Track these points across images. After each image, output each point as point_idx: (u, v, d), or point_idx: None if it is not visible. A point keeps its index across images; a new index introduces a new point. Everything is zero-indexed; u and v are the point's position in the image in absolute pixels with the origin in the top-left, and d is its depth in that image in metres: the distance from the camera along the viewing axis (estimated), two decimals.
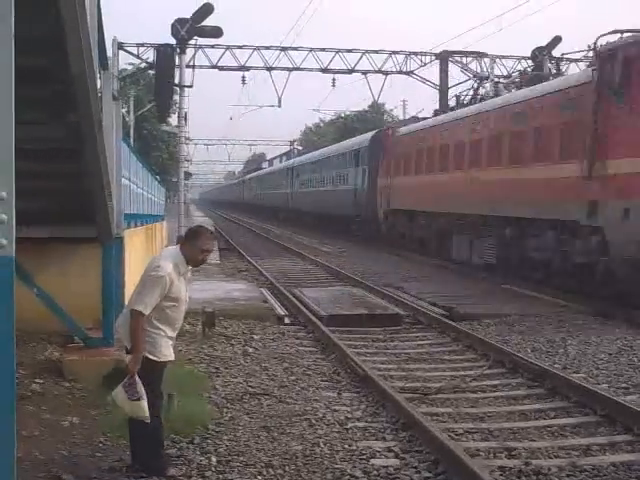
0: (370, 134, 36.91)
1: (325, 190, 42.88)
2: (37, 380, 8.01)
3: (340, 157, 41.30)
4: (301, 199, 51.05)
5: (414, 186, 27.21)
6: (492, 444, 6.86)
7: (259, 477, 5.96)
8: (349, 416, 7.72)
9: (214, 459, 6.26)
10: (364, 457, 6.46)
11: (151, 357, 5.68)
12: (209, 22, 29.49)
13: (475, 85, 27.04)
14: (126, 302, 9.97)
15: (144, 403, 5.55)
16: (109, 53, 10.86)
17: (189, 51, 32.73)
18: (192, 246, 5.77)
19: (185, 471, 5.98)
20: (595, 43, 15.09)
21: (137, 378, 5.54)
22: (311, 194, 47.51)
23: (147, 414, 5.58)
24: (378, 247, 30.94)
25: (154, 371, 5.75)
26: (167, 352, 5.82)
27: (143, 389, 5.53)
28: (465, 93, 26.37)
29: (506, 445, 6.79)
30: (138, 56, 35.50)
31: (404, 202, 28.54)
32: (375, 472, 6.13)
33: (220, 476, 5.93)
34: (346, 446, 6.74)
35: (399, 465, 6.32)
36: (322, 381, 9.28)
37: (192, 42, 31.96)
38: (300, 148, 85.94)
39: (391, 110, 75.52)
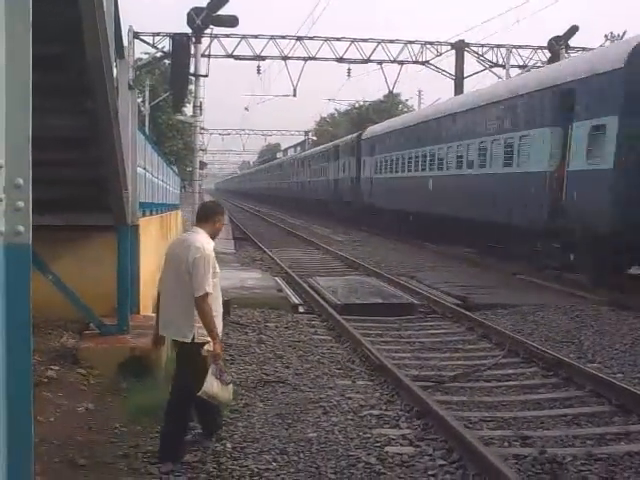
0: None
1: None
2: (53, 367, 8.03)
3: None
4: None
5: None
6: (507, 432, 6.88)
7: (274, 464, 6.00)
8: (363, 404, 7.74)
9: (229, 445, 6.32)
10: (379, 445, 6.48)
11: (207, 339, 5.86)
12: (225, 11, 29.47)
13: None
14: (141, 289, 10.09)
15: None
16: (124, 42, 10.84)
17: (204, 40, 32.76)
18: (216, 221, 6.24)
19: (200, 457, 6.03)
20: None
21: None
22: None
23: None
24: (392, 237, 30.92)
25: (200, 352, 5.88)
26: (219, 329, 6.09)
27: None
28: None
29: (521, 434, 6.80)
30: (154, 45, 35.63)
31: None
32: (390, 460, 6.15)
33: (235, 462, 5.97)
34: (361, 434, 6.77)
35: (414, 453, 6.34)
36: (336, 369, 9.30)
37: (208, 31, 31.95)
38: (314, 138, 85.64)
39: (406, 100, 75.29)
